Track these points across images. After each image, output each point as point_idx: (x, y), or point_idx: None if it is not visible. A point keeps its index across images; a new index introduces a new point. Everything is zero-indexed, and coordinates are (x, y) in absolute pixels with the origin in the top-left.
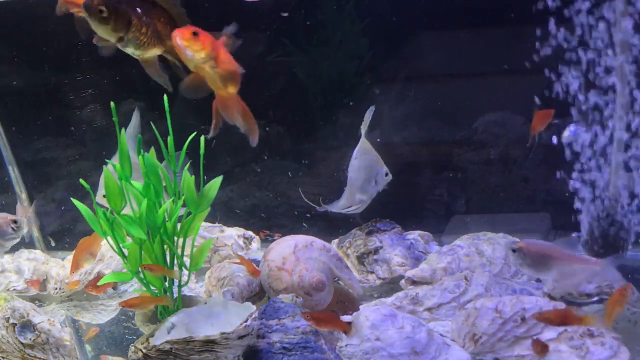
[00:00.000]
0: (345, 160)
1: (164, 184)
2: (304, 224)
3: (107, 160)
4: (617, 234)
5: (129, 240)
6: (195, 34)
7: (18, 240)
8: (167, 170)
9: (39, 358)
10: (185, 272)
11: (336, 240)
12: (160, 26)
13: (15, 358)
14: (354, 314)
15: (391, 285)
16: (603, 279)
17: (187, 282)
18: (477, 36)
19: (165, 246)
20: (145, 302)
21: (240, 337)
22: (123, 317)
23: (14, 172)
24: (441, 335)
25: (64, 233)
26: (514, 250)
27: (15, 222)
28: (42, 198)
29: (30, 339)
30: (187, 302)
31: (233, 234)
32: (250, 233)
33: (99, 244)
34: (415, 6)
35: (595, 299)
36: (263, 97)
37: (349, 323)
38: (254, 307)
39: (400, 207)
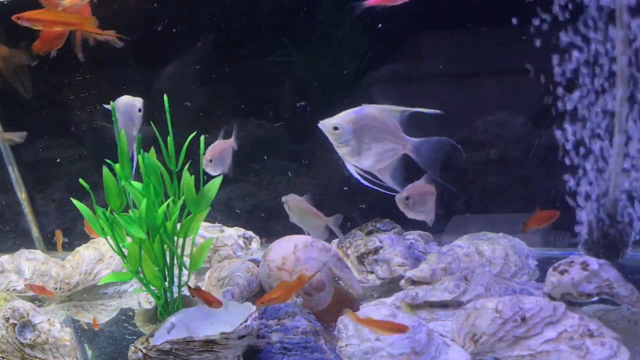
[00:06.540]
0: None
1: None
2: None
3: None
4: (617, 234)
5: (128, 240)
6: None
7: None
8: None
9: (39, 358)
10: (185, 272)
11: (336, 240)
12: None
13: (15, 358)
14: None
15: (391, 285)
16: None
17: (187, 282)
18: (477, 36)
19: (165, 246)
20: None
21: (240, 337)
22: (123, 317)
23: (14, 173)
24: (441, 335)
25: (63, 233)
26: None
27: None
28: (43, 198)
29: (30, 339)
30: (187, 302)
31: (233, 234)
32: (250, 233)
33: None
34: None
35: (595, 299)
36: (263, 96)
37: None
38: (254, 307)
39: None
